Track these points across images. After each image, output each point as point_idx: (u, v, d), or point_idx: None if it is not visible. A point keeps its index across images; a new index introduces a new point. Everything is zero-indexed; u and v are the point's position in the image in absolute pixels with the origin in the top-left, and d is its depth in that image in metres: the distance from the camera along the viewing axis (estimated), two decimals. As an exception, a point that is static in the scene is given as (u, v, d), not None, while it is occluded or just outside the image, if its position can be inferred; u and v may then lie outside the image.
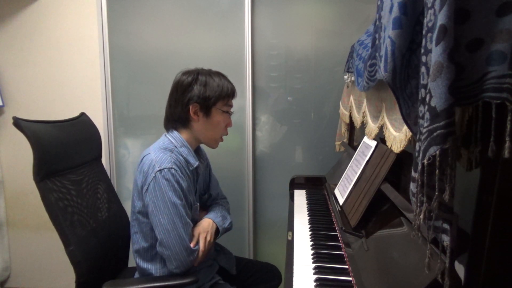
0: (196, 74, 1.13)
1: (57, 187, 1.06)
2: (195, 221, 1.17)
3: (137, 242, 1.14)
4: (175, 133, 1.14)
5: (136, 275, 1.21)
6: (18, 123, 1.01)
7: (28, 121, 1.04)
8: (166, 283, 1.05)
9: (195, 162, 1.14)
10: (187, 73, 1.15)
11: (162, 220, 1.03)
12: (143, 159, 1.08)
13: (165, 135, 1.15)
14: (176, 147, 1.11)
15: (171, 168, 1.03)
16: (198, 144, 1.21)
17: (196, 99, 1.10)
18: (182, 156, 1.11)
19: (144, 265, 1.14)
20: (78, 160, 1.19)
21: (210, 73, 1.15)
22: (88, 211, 1.16)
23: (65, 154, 1.13)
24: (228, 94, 1.14)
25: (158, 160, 1.04)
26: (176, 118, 1.14)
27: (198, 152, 1.24)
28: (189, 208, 1.09)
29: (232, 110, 1.20)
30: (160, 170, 1.02)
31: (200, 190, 1.27)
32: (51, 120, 1.14)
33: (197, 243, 1.10)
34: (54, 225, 1.02)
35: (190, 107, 1.11)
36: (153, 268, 1.13)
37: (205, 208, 1.31)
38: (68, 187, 1.11)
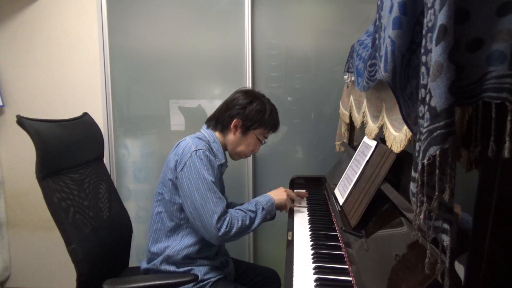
0: (254, 98, 1.24)
1: (60, 187, 1.07)
2: None
3: (159, 221, 1.20)
4: (211, 131, 1.25)
5: (144, 264, 1.23)
6: (22, 121, 1.01)
7: (32, 119, 1.04)
8: (166, 281, 1.06)
9: (222, 158, 1.24)
10: (247, 94, 1.25)
11: (196, 195, 1.09)
12: (179, 144, 1.19)
13: (201, 130, 1.28)
14: (209, 141, 1.21)
15: (206, 150, 1.14)
16: (225, 150, 1.29)
17: (242, 116, 1.22)
18: (212, 150, 1.20)
19: (160, 246, 1.18)
20: (80, 159, 1.20)
21: (266, 103, 1.25)
22: (90, 210, 1.16)
23: (68, 153, 1.13)
24: (271, 128, 1.28)
25: (194, 143, 1.15)
26: (219, 120, 1.26)
27: (225, 155, 1.31)
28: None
29: (266, 141, 1.32)
30: (196, 151, 1.12)
31: (221, 190, 1.32)
32: (54, 119, 1.15)
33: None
34: (56, 223, 1.03)
35: (235, 120, 1.22)
36: (170, 245, 1.17)
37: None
38: (70, 186, 1.11)
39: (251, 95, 1.25)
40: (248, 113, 1.22)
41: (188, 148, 1.13)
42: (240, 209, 1.17)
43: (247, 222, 1.14)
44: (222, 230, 1.08)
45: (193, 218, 1.12)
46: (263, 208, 1.20)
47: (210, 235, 1.10)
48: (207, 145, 1.17)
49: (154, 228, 1.22)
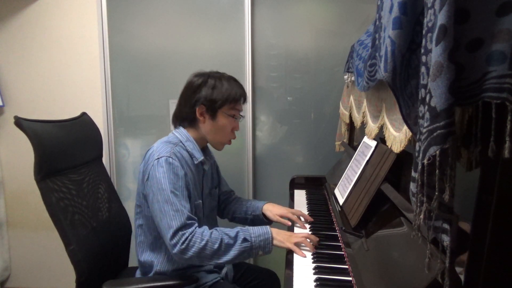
0: (206, 76, 1.16)
1: (58, 187, 1.07)
2: (199, 219, 1.15)
3: (142, 234, 1.16)
4: (182, 129, 1.18)
5: (138, 273, 1.21)
6: (20, 122, 1.01)
7: (30, 120, 1.04)
8: (166, 283, 1.05)
9: (200, 156, 1.16)
10: (198, 75, 1.18)
11: (156, 206, 1.03)
12: (147, 152, 1.12)
13: (172, 132, 1.19)
14: (181, 141, 1.14)
15: (169, 157, 1.05)
16: (205, 143, 1.23)
17: (203, 101, 1.13)
18: (187, 150, 1.13)
19: (146, 257, 1.15)
20: (79, 159, 1.19)
21: (221, 77, 1.17)
22: (89, 211, 1.16)
23: (66, 154, 1.13)
24: (235, 98, 1.15)
25: (158, 150, 1.08)
26: (184, 117, 1.17)
27: (204, 150, 1.25)
28: (187, 201, 1.06)
29: (242, 114, 1.22)
30: (158, 158, 1.05)
31: (209, 189, 1.27)
32: (52, 119, 1.15)
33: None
34: (54, 224, 1.03)
35: (197, 108, 1.14)
36: (155, 260, 1.14)
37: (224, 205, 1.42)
38: (69, 186, 1.11)
39: (201, 75, 1.16)
40: (205, 94, 1.12)
41: (152, 157, 1.06)
42: (217, 230, 1.04)
43: (216, 246, 0.99)
44: (177, 247, 0.97)
45: (158, 228, 1.05)
46: (245, 239, 1.02)
47: (169, 249, 1.00)
48: (174, 149, 1.08)
49: (138, 241, 1.17)
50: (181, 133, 1.16)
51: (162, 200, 1.01)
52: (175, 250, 0.98)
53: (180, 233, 0.99)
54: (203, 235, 1.00)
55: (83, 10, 1.90)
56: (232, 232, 1.04)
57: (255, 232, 1.05)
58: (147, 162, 1.08)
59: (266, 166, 1.96)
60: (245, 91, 1.21)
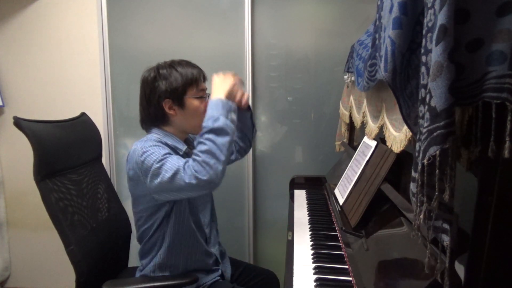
0: (156, 69, 1.12)
1: (58, 187, 1.07)
2: (197, 205, 1.15)
3: (143, 225, 1.14)
4: (156, 129, 1.14)
5: (138, 273, 1.21)
6: (19, 123, 1.01)
7: (29, 120, 1.04)
8: (166, 283, 1.05)
9: (183, 146, 1.14)
10: (148, 70, 1.15)
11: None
12: (128, 155, 1.08)
13: (146, 136, 1.15)
14: (159, 139, 1.10)
15: (153, 144, 1.03)
16: (185, 135, 1.20)
17: (165, 94, 1.09)
18: (168, 145, 1.10)
19: (146, 249, 1.15)
20: (78, 160, 1.19)
21: (171, 64, 1.14)
22: (88, 211, 1.16)
23: (66, 154, 1.13)
24: (194, 79, 1.12)
25: (139, 148, 1.04)
26: (154, 118, 1.13)
27: (186, 141, 1.22)
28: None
29: (208, 92, 1.18)
30: (142, 149, 1.02)
31: None
32: (51, 120, 1.15)
33: None
34: (54, 224, 1.02)
35: (163, 104, 1.10)
36: (155, 252, 1.14)
37: None
38: (68, 187, 1.11)
39: (151, 69, 1.14)
40: (165, 87, 1.08)
41: (135, 154, 1.03)
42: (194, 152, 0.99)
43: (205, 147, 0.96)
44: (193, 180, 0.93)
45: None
46: (215, 119, 1.00)
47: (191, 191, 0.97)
48: (155, 141, 1.06)
49: (139, 232, 1.16)
50: (157, 132, 1.13)
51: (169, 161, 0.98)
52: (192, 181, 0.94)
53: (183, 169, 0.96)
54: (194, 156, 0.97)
55: (83, 10, 1.90)
56: (200, 136, 1.01)
57: (210, 114, 1.02)
58: (136, 160, 1.03)
59: (266, 166, 1.96)
60: (201, 68, 1.18)
